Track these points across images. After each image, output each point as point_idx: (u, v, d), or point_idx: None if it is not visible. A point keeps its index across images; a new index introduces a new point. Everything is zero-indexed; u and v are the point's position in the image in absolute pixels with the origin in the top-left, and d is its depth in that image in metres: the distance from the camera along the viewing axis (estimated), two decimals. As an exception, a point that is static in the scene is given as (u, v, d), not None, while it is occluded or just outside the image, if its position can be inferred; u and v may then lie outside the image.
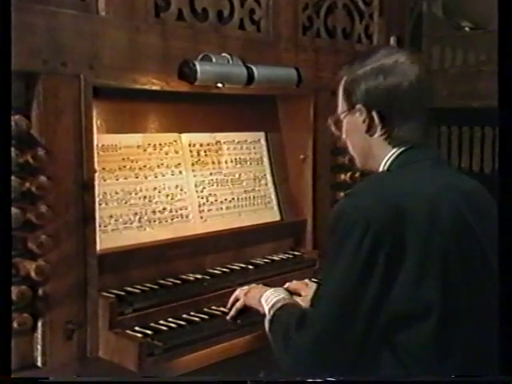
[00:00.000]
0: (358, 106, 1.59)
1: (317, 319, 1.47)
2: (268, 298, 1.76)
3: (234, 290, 2.01)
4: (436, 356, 1.45)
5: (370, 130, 1.59)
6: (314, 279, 2.32)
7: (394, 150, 1.59)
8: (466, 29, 3.36)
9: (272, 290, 1.82)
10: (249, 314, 1.91)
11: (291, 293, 1.94)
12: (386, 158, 1.60)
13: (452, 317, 1.45)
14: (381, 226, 1.42)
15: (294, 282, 2.13)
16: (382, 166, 1.61)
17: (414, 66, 1.57)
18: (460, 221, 1.50)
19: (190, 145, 2.23)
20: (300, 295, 2.02)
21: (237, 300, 1.95)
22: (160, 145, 2.13)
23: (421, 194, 1.48)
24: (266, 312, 1.72)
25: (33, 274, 1.60)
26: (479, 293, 1.49)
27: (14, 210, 1.55)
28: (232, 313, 1.93)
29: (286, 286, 2.10)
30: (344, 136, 1.69)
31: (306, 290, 2.03)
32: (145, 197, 2.06)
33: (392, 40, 2.72)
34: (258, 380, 1.90)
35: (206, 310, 1.97)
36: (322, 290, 1.53)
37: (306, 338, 1.47)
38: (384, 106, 1.56)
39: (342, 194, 2.54)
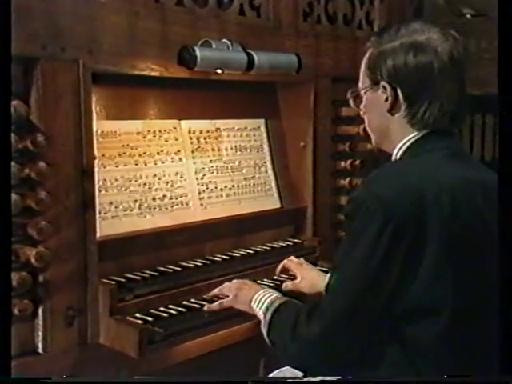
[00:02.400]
0: (383, 83, 1.50)
1: (329, 311, 1.42)
2: (260, 301, 1.67)
3: (234, 278, 2.01)
4: (444, 353, 1.42)
5: (392, 108, 1.51)
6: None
7: (415, 133, 1.51)
8: (468, 16, 3.33)
9: (261, 290, 1.72)
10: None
11: (280, 290, 1.88)
12: (404, 141, 1.52)
13: (464, 316, 1.42)
14: (402, 217, 1.36)
15: (291, 258, 2.10)
16: (398, 149, 1.53)
17: (448, 45, 1.48)
18: (476, 216, 1.45)
19: (189, 132, 2.22)
20: (294, 278, 2.01)
21: (222, 296, 1.87)
22: (160, 131, 2.12)
23: (441, 187, 1.41)
24: (261, 316, 1.63)
25: (33, 261, 1.59)
26: (493, 293, 1.44)
27: (13, 196, 1.54)
28: (214, 307, 1.82)
29: (280, 266, 2.10)
30: (362, 112, 1.61)
31: (301, 270, 2.01)
32: (145, 184, 2.05)
33: (393, 27, 2.70)
34: (259, 380, 1.91)
35: (206, 296, 1.96)
36: (336, 280, 1.46)
37: (317, 329, 1.42)
38: (411, 85, 1.47)
39: (342, 181, 2.54)
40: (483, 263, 1.45)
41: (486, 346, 1.46)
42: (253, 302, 1.70)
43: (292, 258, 2.12)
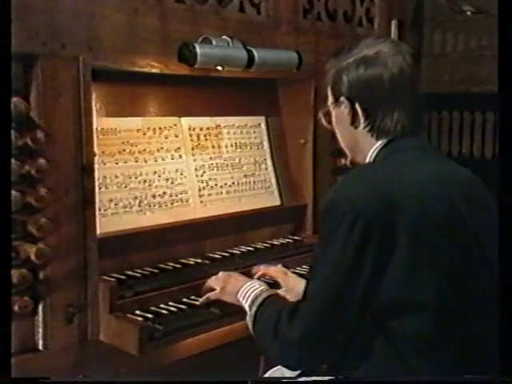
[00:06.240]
0: (342, 99, 1.58)
1: (307, 312, 1.44)
2: (245, 294, 1.69)
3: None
4: (431, 345, 1.43)
5: (354, 122, 1.57)
6: (310, 265, 2.33)
7: (379, 142, 1.57)
8: (468, 13, 3.33)
9: (248, 283, 1.74)
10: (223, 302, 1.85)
11: (268, 283, 1.86)
12: (372, 151, 1.57)
13: (447, 309, 1.43)
14: (371, 216, 1.39)
15: (275, 267, 2.09)
16: (368, 159, 1.59)
17: (397, 57, 1.54)
18: (451, 211, 1.46)
19: (189, 129, 2.21)
20: (279, 287, 1.98)
21: (211, 289, 1.89)
22: (160, 128, 2.12)
23: (411, 184, 1.45)
24: (247, 309, 1.66)
25: (33, 258, 1.59)
26: (475, 283, 1.47)
27: (13, 193, 1.54)
28: (202, 300, 1.88)
29: (258, 274, 2.06)
30: (334, 129, 1.67)
31: (286, 280, 2.00)
32: (145, 181, 2.05)
33: (393, 24, 2.70)
34: (260, 380, 1.90)
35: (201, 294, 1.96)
36: (312, 282, 1.49)
37: (297, 330, 1.43)
38: (365, 97, 1.54)
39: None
40: (464, 257, 1.47)
41: (474, 339, 1.47)
42: (239, 295, 1.72)
43: (279, 266, 2.10)
